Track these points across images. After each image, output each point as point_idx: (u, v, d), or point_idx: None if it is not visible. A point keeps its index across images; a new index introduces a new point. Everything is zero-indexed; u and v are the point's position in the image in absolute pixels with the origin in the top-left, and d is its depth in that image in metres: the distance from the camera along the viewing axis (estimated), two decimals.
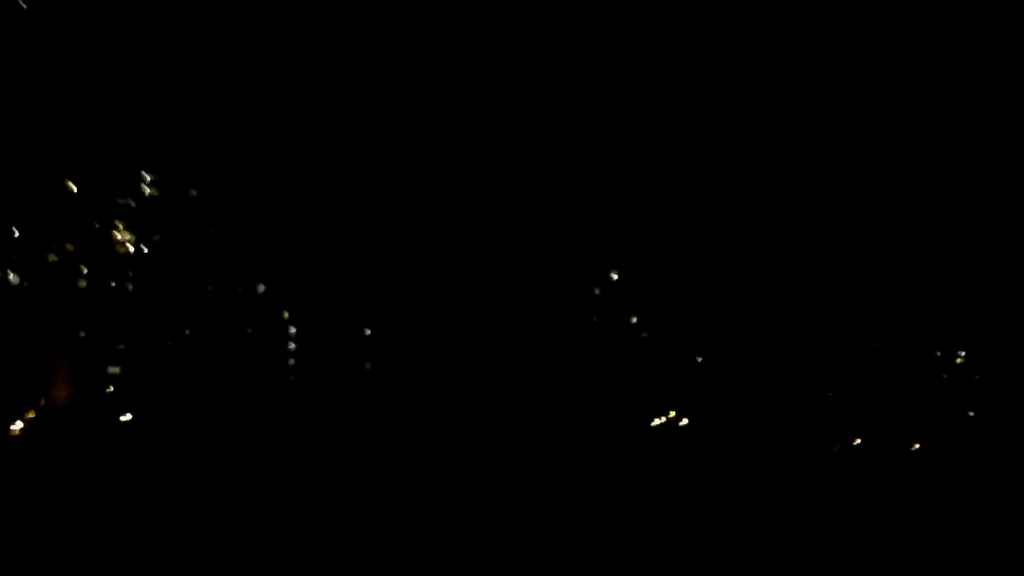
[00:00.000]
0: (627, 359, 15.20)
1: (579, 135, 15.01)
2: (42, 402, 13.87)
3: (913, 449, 16.41)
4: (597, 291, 15.22)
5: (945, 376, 16.86)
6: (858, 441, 16.03)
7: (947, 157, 16.56)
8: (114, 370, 14.36)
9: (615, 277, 15.12)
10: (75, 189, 14.34)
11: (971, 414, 16.70)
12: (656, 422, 15.04)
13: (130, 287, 14.66)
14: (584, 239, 15.18)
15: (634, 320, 15.14)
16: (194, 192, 14.64)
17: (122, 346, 14.27)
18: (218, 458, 14.32)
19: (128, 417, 13.98)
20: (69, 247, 14.27)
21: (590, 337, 15.13)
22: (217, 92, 14.89)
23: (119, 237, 14.84)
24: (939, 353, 16.92)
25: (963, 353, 16.85)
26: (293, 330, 14.71)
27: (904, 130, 16.48)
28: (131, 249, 14.68)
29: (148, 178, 14.80)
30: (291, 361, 14.69)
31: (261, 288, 14.67)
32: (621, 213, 15.13)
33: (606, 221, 15.12)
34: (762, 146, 15.87)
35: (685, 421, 15.01)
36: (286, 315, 14.63)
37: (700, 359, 15.57)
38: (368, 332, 14.65)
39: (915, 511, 15.40)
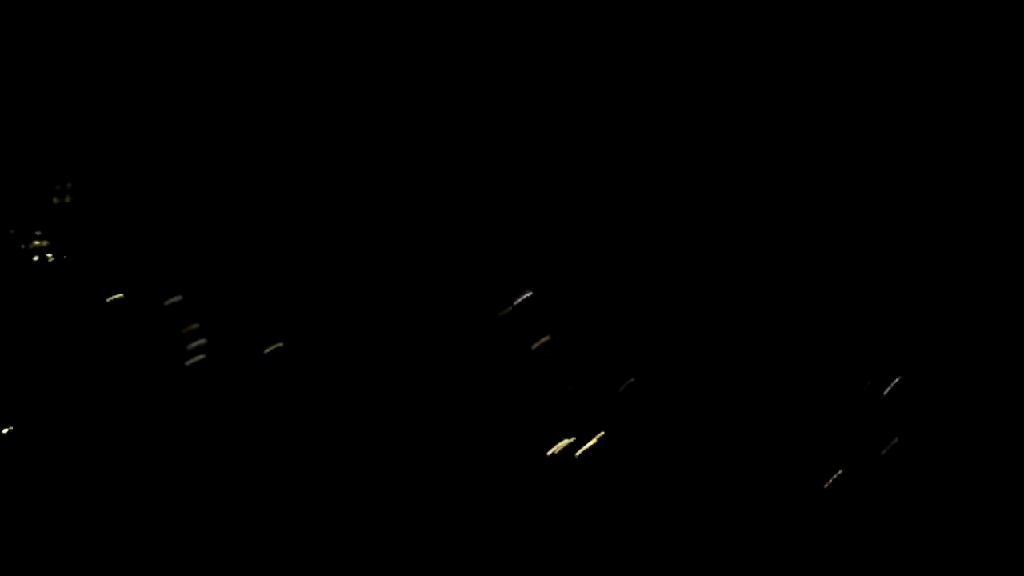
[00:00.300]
0: (530, 383, 15.16)
1: (480, 138, 14.84)
2: None
3: (834, 478, 16.30)
4: (502, 312, 15.20)
5: (870, 404, 16.72)
6: (781, 472, 15.93)
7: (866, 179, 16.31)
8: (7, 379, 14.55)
9: (523, 297, 15.09)
10: None
11: (895, 441, 16.53)
12: (558, 447, 15.00)
13: (39, 296, 14.90)
14: (492, 254, 15.14)
15: (542, 342, 15.11)
16: (111, 201, 14.90)
17: (22, 355, 14.51)
18: (116, 472, 14.54)
19: (8, 430, 14.18)
20: None
21: (494, 359, 15.10)
22: (135, 100, 15.11)
23: (34, 244, 15.03)
24: (869, 382, 16.77)
25: (894, 381, 16.72)
26: (202, 342, 14.92)
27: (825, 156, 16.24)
28: (42, 257, 14.92)
29: (64, 186, 15.01)
30: (193, 372, 14.87)
31: (177, 299, 14.91)
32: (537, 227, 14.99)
33: (519, 234, 15.02)
34: (674, 163, 15.62)
35: (590, 444, 14.92)
36: (195, 326, 14.84)
37: (612, 384, 15.50)
38: (269, 349, 14.83)
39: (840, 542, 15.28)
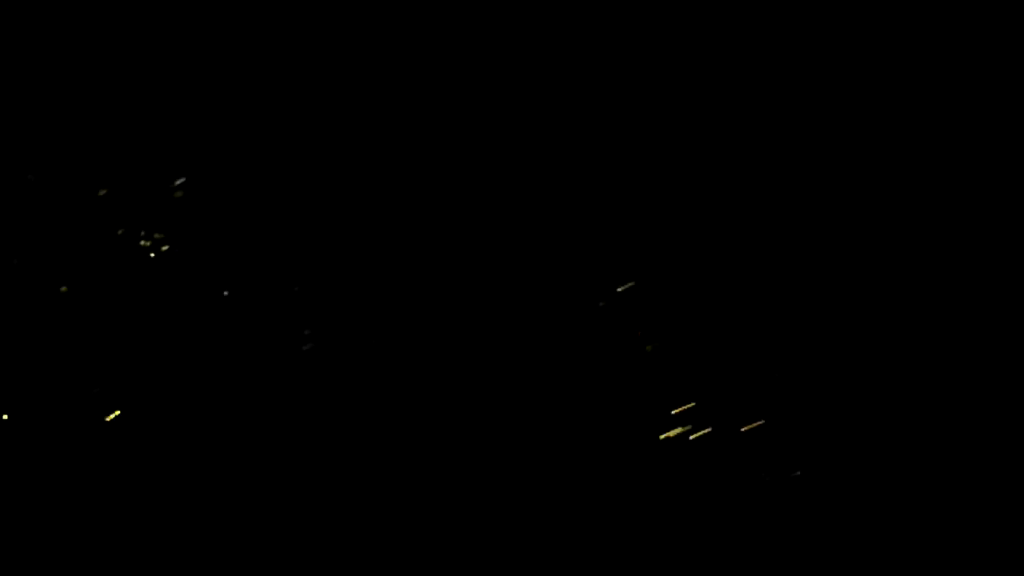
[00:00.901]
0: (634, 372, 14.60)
1: (577, 131, 14.38)
2: None
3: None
4: (602, 304, 14.72)
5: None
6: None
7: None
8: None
9: (623, 288, 14.63)
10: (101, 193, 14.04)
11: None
12: (669, 433, 14.36)
13: (152, 291, 14.17)
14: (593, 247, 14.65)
15: (639, 333, 14.59)
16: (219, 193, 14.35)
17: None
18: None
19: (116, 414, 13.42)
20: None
21: (594, 351, 14.54)
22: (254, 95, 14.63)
23: (146, 242, 14.38)
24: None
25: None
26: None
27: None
28: (156, 252, 14.25)
29: (176, 182, 14.45)
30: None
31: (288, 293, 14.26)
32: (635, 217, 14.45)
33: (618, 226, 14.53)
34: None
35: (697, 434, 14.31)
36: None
37: (712, 370, 14.92)
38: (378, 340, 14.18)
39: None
